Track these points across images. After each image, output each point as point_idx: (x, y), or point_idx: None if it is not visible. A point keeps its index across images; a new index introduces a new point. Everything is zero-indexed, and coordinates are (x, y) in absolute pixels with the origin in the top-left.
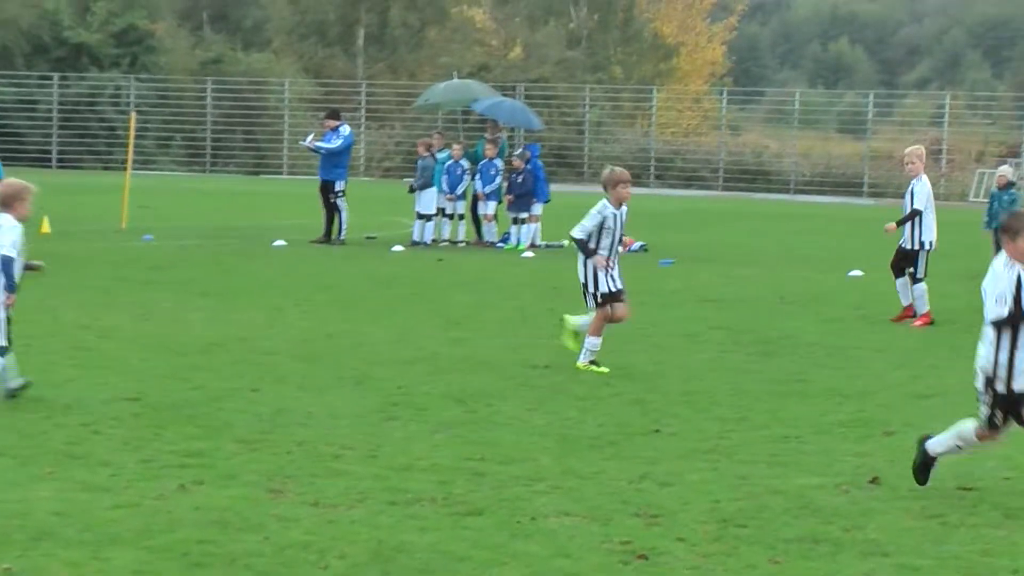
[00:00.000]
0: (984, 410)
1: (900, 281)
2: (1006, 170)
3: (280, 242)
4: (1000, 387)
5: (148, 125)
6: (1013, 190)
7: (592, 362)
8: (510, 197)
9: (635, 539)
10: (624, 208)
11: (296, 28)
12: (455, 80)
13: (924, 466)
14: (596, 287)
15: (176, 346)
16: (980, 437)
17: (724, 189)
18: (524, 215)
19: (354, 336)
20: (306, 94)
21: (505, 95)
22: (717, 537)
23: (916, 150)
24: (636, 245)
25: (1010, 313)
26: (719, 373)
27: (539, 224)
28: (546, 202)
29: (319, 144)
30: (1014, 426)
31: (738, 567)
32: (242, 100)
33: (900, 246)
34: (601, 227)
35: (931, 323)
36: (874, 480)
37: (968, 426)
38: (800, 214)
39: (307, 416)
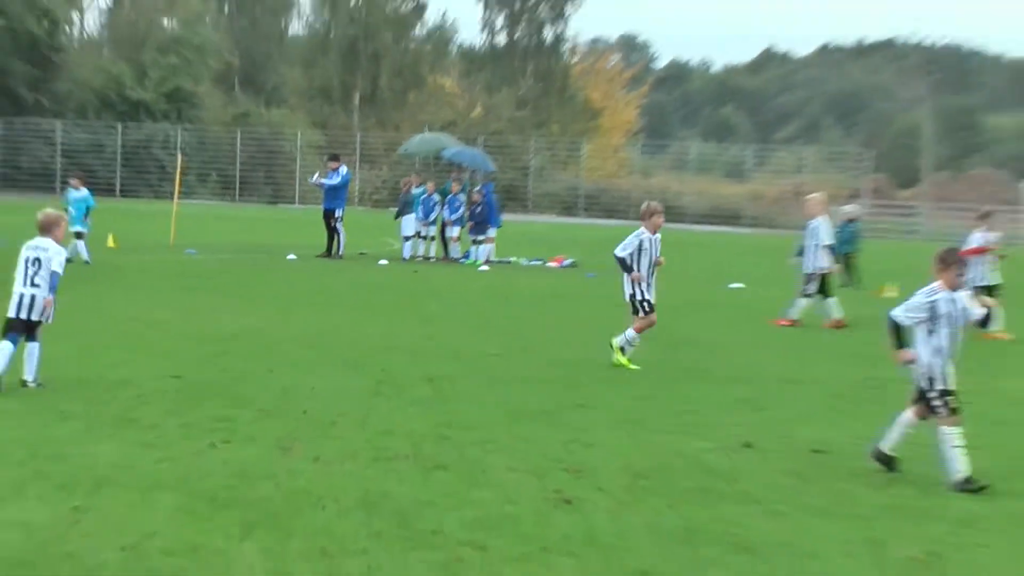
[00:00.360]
0: (940, 404)
1: (830, 300)
2: (851, 209)
3: (292, 256)
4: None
5: (190, 164)
6: (855, 223)
7: (625, 354)
8: (471, 223)
9: (564, 488)
10: (658, 235)
11: (307, 91)
12: (428, 133)
13: (887, 461)
14: (644, 297)
15: (209, 336)
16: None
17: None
18: (481, 237)
19: (348, 330)
20: (313, 142)
21: (467, 145)
22: (628, 487)
23: (818, 196)
24: (567, 261)
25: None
26: (634, 362)
27: (493, 245)
28: (498, 227)
29: (323, 181)
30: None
31: (644, 510)
32: (264, 146)
33: (804, 270)
34: (639, 249)
35: (795, 325)
36: (748, 445)
37: (907, 416)
38: (695, 240)
39: (311, 391)
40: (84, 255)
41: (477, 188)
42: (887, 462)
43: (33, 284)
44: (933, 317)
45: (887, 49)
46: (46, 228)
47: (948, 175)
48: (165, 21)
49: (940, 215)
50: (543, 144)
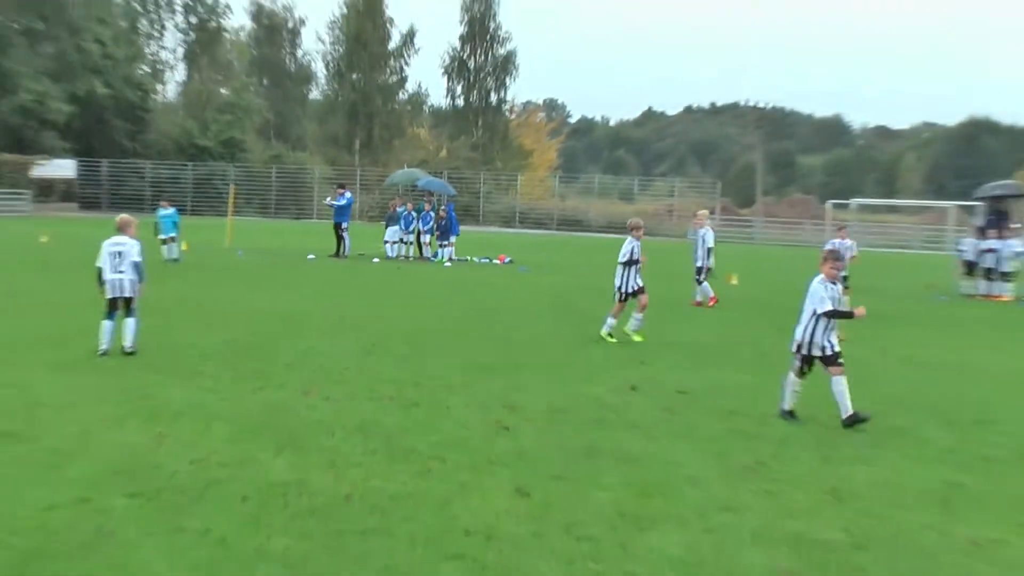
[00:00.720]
0: (796, 363)
1: (704, 285)
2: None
3: (311, 256)
4: (804, 351)
5: (239, 191)
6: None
7: (610, 335)
8: (438, 232)
9: (503, 419)
10: (639, 242)
11: (321, 139)
12: (407, 168)
13: (788, 415)
14: (626, 288)
15: (251, 313)
16: (797, 376)
17: (556, 229)
18: (446, 243)
19: (350, 308)
20: (326, 175)
21: (435, 176)
22: (547, 418)
23: (704, 212)
24: (507, 259)
25: (826, 311)
26: (554, 332)
27: (454, 248)
28: (457, 235)
29: (334, 202)
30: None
31: (558, 434)
32: (291, 178)
33: (696, 265)
34: (632, 252)
35: (701, 305)
36: (633, 388)
37: (789, 377)
38: (597, 244)
39: (324, 352)
40: (173, 255)
41: (443, 207)
42: (790, 415)
43: (118, 271)
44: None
45: (732, 109)
46: (123, 228)
47: (773, 198)
48: (222, 90)
49: (768, 227)
50: (489, 176)
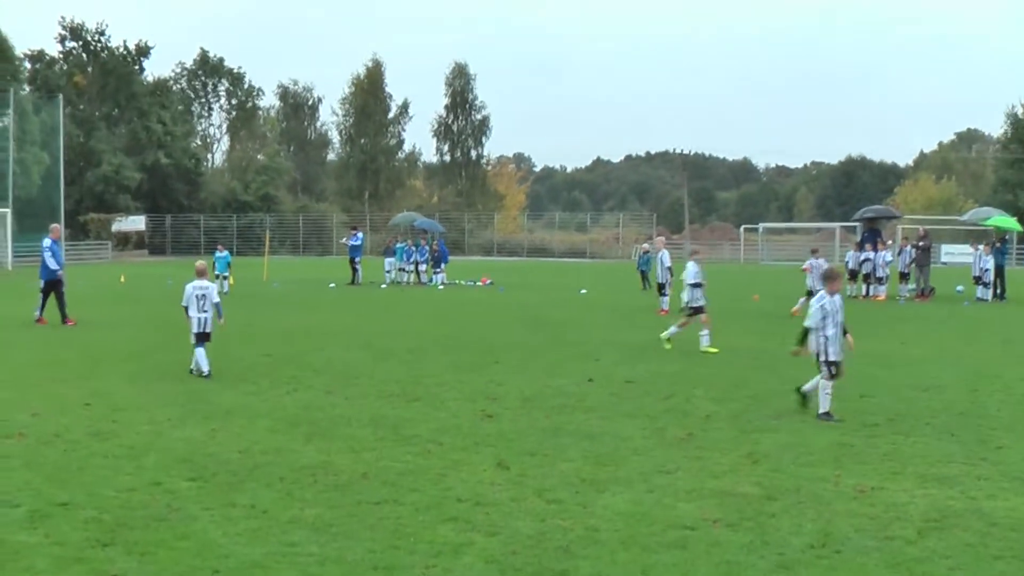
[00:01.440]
0: (825, 370)
1: (664, 298)
2: (646, 246)
3: (332, 285)
4: (823, 358)
5: (274, 235)
6: (648, 254)
7: (669, 340)
8: (432, 262)
9: (487, 408)
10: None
11: (338, 192)
12: (407, 212)
13: (803, 398)
14: (693, 305)
15: (284, 331)
16: (830, 381)
17: (527, 256)
18: (438, 270)
19: (363, 325)
20: (342, 220)
21: (429, 217)
22: (522, 406)
23: (661, 239)
24: (489, 282)
25: (805, 325)
26: (525, 337)
27: (445, 274)
28: (447, 263)
29: (348, 242)
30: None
31: (531, 418)
32: (315, 223)
33: (658, 281)
34: (698, 274)
35: (668, 313)
36: (590, 380)
37: (823, 383)
38: (559, 267)
39: (343, 360)
40: (224, 289)
41: (435, 241)
42: (828, 416)
43: (203, 311)
44: (824, 315)
45: (663, 155)
46: (203, 273)
47: (698, 226)
48: (258, 156)
49: (695, 248)
50: (472, 216)
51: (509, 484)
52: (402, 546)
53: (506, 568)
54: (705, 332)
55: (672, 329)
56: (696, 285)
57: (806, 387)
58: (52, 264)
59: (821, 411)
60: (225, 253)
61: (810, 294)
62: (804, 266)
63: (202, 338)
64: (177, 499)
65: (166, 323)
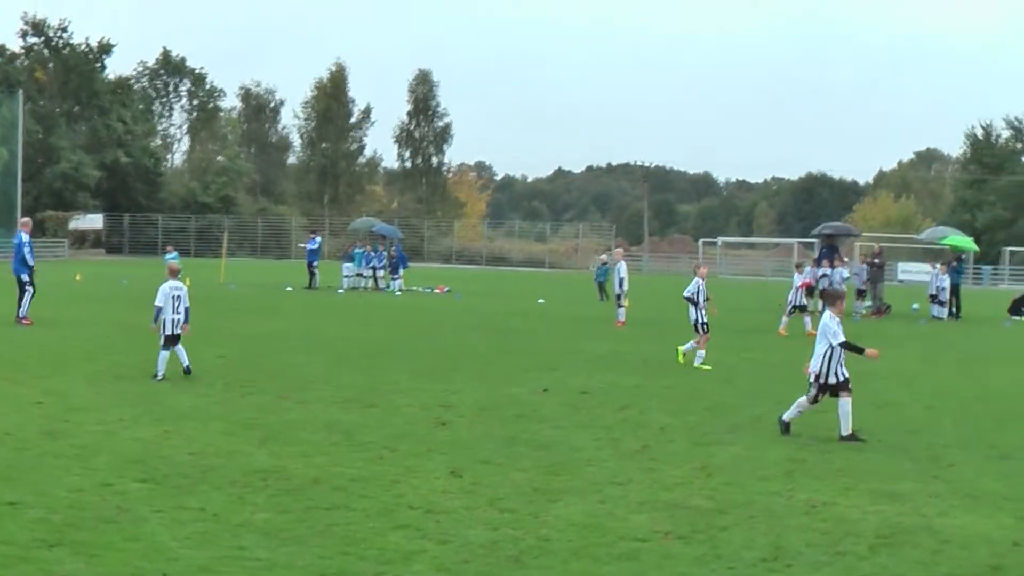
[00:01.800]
0: (812, 392)
1: (621, 310)
2: (605, 257)
3: (289, 288)
4: (822, 380)
5: (232, 237)
6: (606, 265)
7: (704, 364)
8: (390, 268)
9: (442, 416)
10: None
11: (298, 195)
12: (366, 217)
13: (785, 427)
14: (702, 322)
15: (241, 333)
16: (810, 403)
17: (486, 264)
18: (396, 276)
19: (319, 329)
20: (302, 224)
21: (388, 223)
22: (477, 415)
23: (620, 251)
24: (446, 289)
25: (841, 342)
26: (481, 345)
27: (402, 280)
28: (406, 269)
29: (306, 245)
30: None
31: (486, 427)
32: (273, 226)
33: (615, 293)
34: (698, 289)
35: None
36: (545, 390)
37: (802, 400)
38: (518, 276)
39: (298, 364)
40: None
41: (393, 247)
42: (786, 428)
43: (177, 312)
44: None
45: (624, 167)
46: (175, 273)
47: (658, 238)
48: (218, 157)
49: (655, 260)
50: (432, 223)
51: (462, 492)
52: (352, 552)
53: None
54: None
55: (696, 351)
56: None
57: (845, 426)
58: (31, 260)
59: (785, 419)
60: (174, 253)
61: (801, 308)
62: (801, 282)
63: (172, 341)
64: (127, 500)
65: (122, 323)
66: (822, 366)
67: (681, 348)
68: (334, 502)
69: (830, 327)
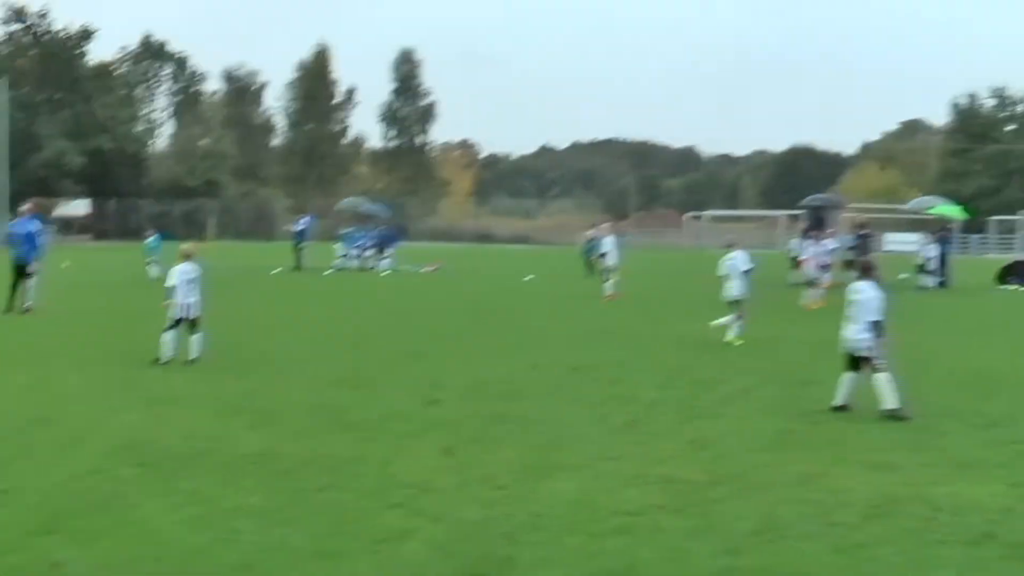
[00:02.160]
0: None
1: (608, 283)
2: (591, 232)
3: (277, 270)
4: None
5: (218, 220)
6: (593, 240)
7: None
8: (377, 248)
9: (432, 394)
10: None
11: (283, 177)
12: (352, 198)
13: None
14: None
15: (227, 318)
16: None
17: (471, 242)
18: (383, 256)
19: (306, 313)
20: (287, 206)
21: (374, 203)
22: (465, 394)
23: (606, 225)
24: (435, 266)
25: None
26: (470, 323)
27: (390, 259)
28: (393, 249)
29: (293, 227)
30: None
31: (474, 405)
32: (259, 209)
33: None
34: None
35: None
36: (535, 366)
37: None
38: (505, 252)
39: (288, 346)
40: (155, 274)
41: (381, 227)
42: (843, 408)
43: (190, 295)
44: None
45: (609, 143)
46: (189, 256)
47: (644, 213)
48: (202, 141)
49: (640, 235)
50: (418, 202)
51: (453, 470)
52: (346, 532)
53: (451, 554)
54: (735, 322)
55: (732, 325)
56: (744, 272)
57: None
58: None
59: (889, 406)
60: (155, 236)
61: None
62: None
63: (186, 325)
64: (120, 485)
65: (112, 309)
66: (871, 339)
67: (729, 334)
68: (326, 483)
69: (874, 300)
